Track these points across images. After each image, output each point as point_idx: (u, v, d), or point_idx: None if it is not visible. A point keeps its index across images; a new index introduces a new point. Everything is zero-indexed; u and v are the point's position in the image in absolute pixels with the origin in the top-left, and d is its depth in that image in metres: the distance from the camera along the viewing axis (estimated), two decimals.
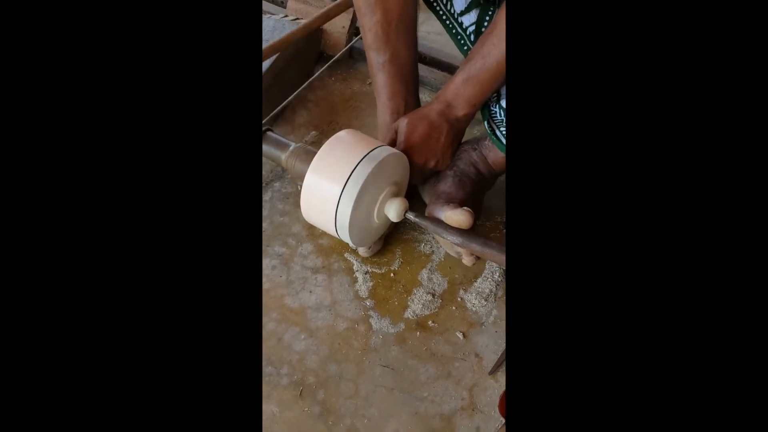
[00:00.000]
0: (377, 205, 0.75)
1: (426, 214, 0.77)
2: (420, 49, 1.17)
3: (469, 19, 0.87)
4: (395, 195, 0.77)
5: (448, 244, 0.81)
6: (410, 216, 0.75)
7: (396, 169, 0.76)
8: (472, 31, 0.87)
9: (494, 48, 0.72)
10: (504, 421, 0.66)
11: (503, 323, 0.78)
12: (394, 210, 0.75)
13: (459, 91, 0.77)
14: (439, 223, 0.74)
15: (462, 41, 0.88)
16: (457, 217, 0.71)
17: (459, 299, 0.81)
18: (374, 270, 0.84)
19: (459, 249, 0.76)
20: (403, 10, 0.81)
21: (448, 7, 0.88)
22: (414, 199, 0.87)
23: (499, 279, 0.82)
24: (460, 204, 0.76)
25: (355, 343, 0.76)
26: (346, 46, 1.14)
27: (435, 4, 0.88)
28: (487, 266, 0.84)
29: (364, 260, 0.85)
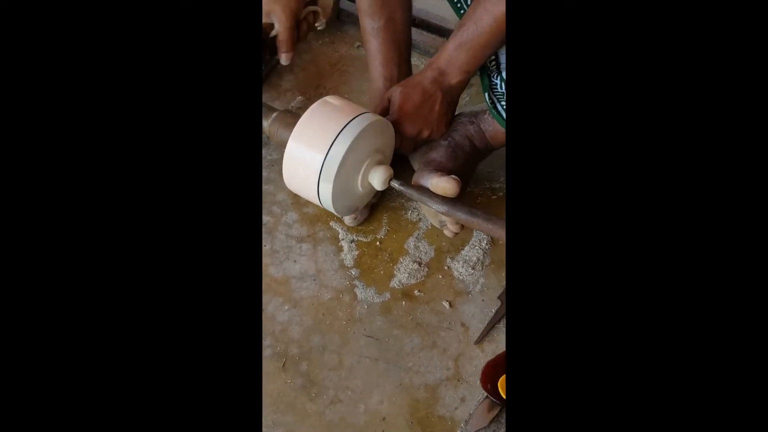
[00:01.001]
0: (361, 173, 0.73)
1: (412, 182, 0.75)
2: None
3: None
4: (380, 163, 0.75)
5: (431, 214, 0.79)
6: (395, 184, 0.73)
7: (380, 136, 0.74)
8: None
9: (486, 13, 0.70)
10: (486, 395, 0.65)
11: (490, 292, 0.77)
12: (378, 178, 0.73)
13: (452, 57, 0.74)
14: (425, 190, 0.72)
15: (458, 4, 0.85)
16: (443, 184, 0.69)
17: (446, 267, 0.80)
18: (360, 239, 0.83)
19: (443, 218, 0.74)
20: None
21: None
22: (404, 167, 0.86)
23: (487, 247, 0.81)
24: (449, 174, 0.74)
25: (340, 313, 0.75)
26: (333, 8, 1.11)
27: None
28: (474, 234, 0.82)
29: (349, 229, 0.83)
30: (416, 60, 1.07)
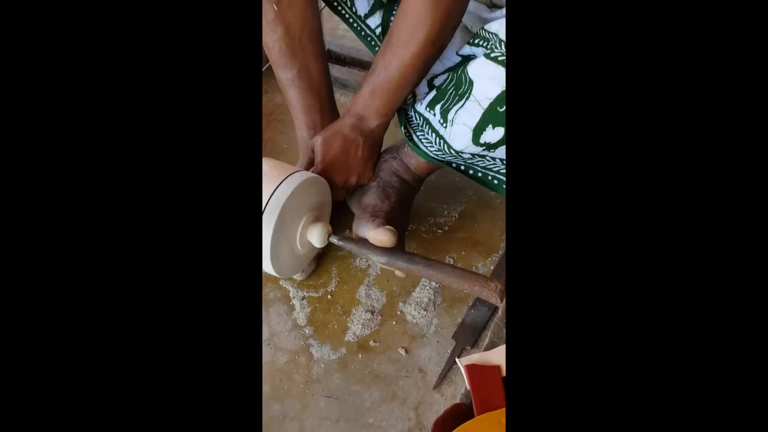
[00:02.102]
0: (298, 233, 0.72)
1: (353, 232, 0.75)
2: (339, 50, 1.15)
3: (374, 22, 0.84)
4: (317, 219, 0.74)
5: None
6: (334, 240, 0.73)
7: (313, 194, 0.74)
8: (380, 33, 0.84)
9: (394, 58, 0.70)
10: None
11: (444, 332, 0.76)
12: (316, 236, 0.72)
13: (368, 103, 0.74)
14: (364, 243, 0.71)
15: (372, 43, 0.85)
16: (380, 237, 0.69)
17: (398, 312, 0.79)
18: (311, 294, 0.82)
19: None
20: (306, 21, 0.78)
21: (353, 10, 0.85)
22: (345, 213, 0.85)
23: (437, 286, 0.81)
24: (387, 215, 0.74)
25: (297, 377, 0.74)
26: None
27: (339, 7, 0.85)
28: None
29: (300, 284, 0.83)
30: (339, 95, 1.07)
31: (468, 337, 0.75)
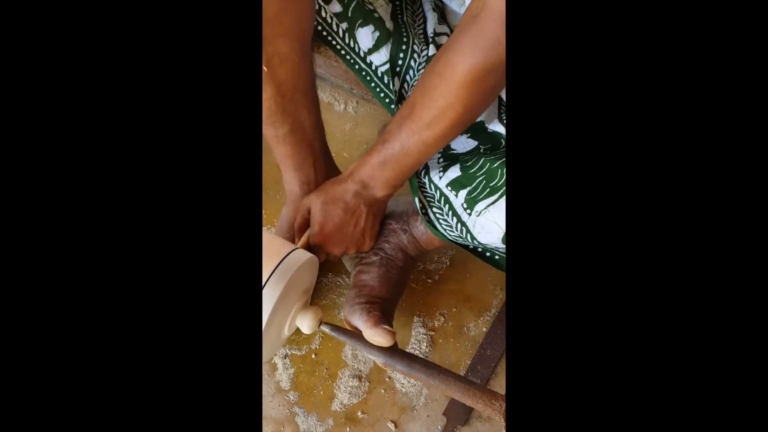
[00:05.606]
0: (288, 320, 0.67)
1: (344, 315, 0.70)
2: None
3: (379, 59, 0.73)
4: (306, 303, 0.68)
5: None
6: (326, 329, 0.67)
7: (306, 277, 0.67)
8: (385, 72, 0.73)
9: (413, 135, 0.61)
10: None
11: (435, 405, 0.75)
12: (307, 323, 0.67)
13: (375, 173, 0.65)
14: (359, 339, 0.67)
15: (370, 80, 0.74)
16: (377, 338, 0.64)
17: (387, 379, 0.77)
18: (294, 352, 0.78)
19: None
20: (299, 78, 0.65)
21: (352, 45, 0.73)
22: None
23: (428, 350, 0.78)
24: (383, 303, 0.69)
25: None
26: None
27: (334, 42, 0.72)
28: (413, 334, 0.79)
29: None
30: (327, 96, 0.95)
31: (459, 414, 0.74)
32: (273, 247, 0.64)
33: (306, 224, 0.72)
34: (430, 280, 0.82)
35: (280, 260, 0.62)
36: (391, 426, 0.74)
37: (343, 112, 0.95)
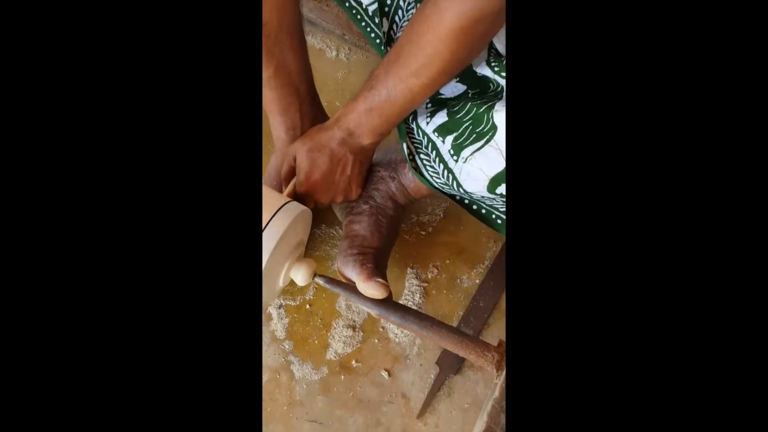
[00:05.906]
0: (283, 272, 0.67)
1: (337, 267, 0.70)
2: None
3: None
4: (301, 255, 0.68)
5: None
6: (320, 281, 0.68)
7: (300, 229, 0.67)
8: (374, 11, 0.70)
9: (400, 83, 0.60)
10: None
11: (427, 354, 0.76)
12: (301, 275, 0.67)
13: (362, 120, 0.64)
14: (352, 290, 0.67)
15: (361, 19, 0.72)
16: (371, 291, 0.65)
17: (380, 329, 0.78)
18: (288, 302, 0.79)
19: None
20: (283, 15, 0.63)
21: None
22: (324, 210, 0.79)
23: (420, 301, 0.79)
24: (376, 253, 0.69)
25: (280, 398, 0.74)
26: None
27: None
28: (406, 285, 0.79)
29: None
30: (318, 42, 0.93)
31: (452, 364, 0.75)
32: (267, 200, 0.63)
33: (292, 172, 0.71)
34: (423, 232, 0.82)
35: (275, 212, 0.62)
36: (385, 374, 0.76)
37: (335, 59, 0.93)
